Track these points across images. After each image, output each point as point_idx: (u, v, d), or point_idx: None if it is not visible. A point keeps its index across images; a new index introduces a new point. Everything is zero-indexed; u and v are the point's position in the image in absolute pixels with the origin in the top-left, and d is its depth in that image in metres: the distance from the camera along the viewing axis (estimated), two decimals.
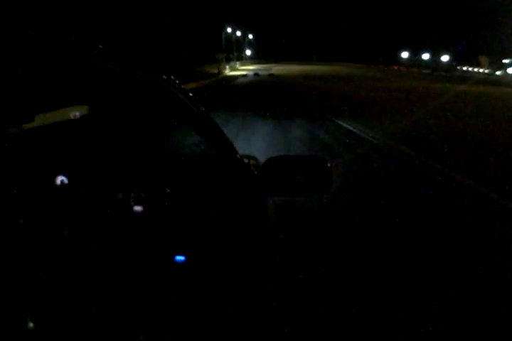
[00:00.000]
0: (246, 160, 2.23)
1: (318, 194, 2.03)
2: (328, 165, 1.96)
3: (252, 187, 1.93)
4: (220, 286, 1.53)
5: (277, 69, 77.37)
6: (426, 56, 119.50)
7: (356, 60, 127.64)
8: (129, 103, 2.03)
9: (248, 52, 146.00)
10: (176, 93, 1.36)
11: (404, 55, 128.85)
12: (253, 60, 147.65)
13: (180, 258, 1.62)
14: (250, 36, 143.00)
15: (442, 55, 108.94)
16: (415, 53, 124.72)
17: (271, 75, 56.86)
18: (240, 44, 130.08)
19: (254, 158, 2.73)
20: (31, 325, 0.97)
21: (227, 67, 77.59)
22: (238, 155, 1.93)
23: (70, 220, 1.52)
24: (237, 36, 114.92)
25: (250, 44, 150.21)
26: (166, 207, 1.68)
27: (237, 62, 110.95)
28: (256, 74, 59.14)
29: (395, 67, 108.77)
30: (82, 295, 1.24)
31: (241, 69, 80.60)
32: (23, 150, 1.68)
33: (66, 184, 1.69)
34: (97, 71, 0.96)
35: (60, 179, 1.72)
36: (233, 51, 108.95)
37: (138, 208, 1.69)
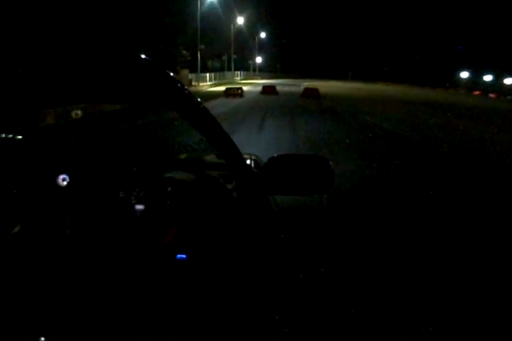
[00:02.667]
0: (248, 159, 2.56)
1: (319, 193, 2.04)
2: (330, 164, 1.99)
3: (254, 186, 1.95)
4: (220, 285, 1.51)
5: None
6: (488, 78, 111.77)
7: (403, 79, 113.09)
8: (131, 102, 2.23)
9: (258, 60, 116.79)
10: (177, 92, 1.31)
11: (464, 75, 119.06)
12: (265, 73, 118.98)
13: (181, 256, 1.67)
14: (263, 34, 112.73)
15: (506, 77, 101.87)
16: (476, 74, 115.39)
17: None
18: (246, 44, 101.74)
19: (256, 157, 2.92)
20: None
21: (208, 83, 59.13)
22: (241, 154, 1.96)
23: (71, 218, 1.63)
24: (241, 28, 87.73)
25: (262, 47, 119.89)
26: (167, 205, 1.77)
27: (238, 74, 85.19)
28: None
29: (477, 93, 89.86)
30: (84, 294, 1.28)
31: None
32: (24, 151, 2.00)
33: (68, 183, 1.84)
34: (98, 70, 0.94)
35: (61, 178, 1.87)
36: (226, 54, 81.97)
37: (139, 207, 1.77)
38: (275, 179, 1.92)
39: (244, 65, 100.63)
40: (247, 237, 1.75)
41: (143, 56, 1.06)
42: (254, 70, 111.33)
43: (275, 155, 1.94)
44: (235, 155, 1.85)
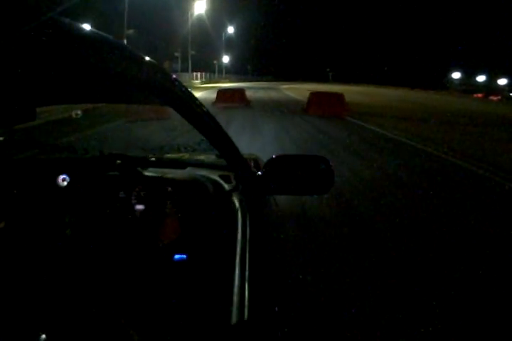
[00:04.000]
0: (249, 159, 2.56)
1: (319, 193, 2.07)
2: (330, 164, 2.02)
3: (254, 186, 2.00)
4: (219, 285, 1.51)
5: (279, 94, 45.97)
6: (481, 78, 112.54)
7: (389, 80, 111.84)
8: (131, 102, 2.10)
9: (226, 60, 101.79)
10: (177, 92, 1.31)
11: (456, 75, 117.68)
12: (234, 75, 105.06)
13: (180, 257, 1.69)
14: (231, 30, 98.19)
15: (500, 77, 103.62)
16: (468, 75, 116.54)
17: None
18: (210, 41, 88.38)
19: (257, 157, 3.05)
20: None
21: None
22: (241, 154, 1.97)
23: (71, 219, 1.67)
24: (203, 20, 73.73)
25: (231, 45, 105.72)
26: (166, 205, 1.80)
27: (198, 76, 71.88)
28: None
29: (479, 96, 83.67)
30: (84, 293, 1.32)
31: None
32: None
33: (68, 183, 1.82)
34: (97, 70, 0.91)
35: (61, 178, 1.83)
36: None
37: (139, 207, 1.79)
38: (275, 179, 1.97)
39: (210, 66, 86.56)
40: (246, 237, 1.72)
41: (143, 55, 1.05)
42: (220, 72, 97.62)
43: (275, 155, 2.00)
44: (236, 155, 1.88)
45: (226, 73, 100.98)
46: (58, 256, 1.51)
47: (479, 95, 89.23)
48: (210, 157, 2.53)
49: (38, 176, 1.88)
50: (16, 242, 1.49)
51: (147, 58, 1.05)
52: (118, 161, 1.98)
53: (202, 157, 2.62)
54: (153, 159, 2.26)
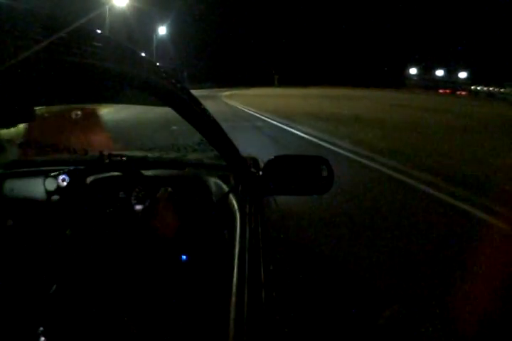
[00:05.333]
0: (248, 160, 2.46)
1: (319, 193, 2.07)
2: (330, 164, 2.06)
3: (254, 186, 2.03)
4: (217, 285, 1.53)
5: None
6: (440, 73, 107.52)
7: (340, 80, 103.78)
8: (131, 102, 2.11)
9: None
10: (177, 92, 1.34)
11: (413, 71, 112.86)
12: None
13: (180, 257, 1.75)
14: (162, 30, 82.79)
15: (459, 71, 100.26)
16: (426, 70, 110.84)
17: None
18: (136, 42, 72.04)
19: (256, 158, 2.91)
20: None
21: None
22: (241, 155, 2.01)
23: (71, 219, 1.68)
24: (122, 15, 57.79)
25: (163, 47, 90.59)
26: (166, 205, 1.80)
27: None
28: None
29: (447, 92, 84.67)
30: (84, 293, 1.32)
31: None
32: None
33: (67, 183, 1.91)
34: (97, 70, 0.90)
35: (61, 178, 1.93)
36: None
37: (139, 207, 1.86)
38: (275, 179, 2.00)
39: None
40: (245, 238, 1.72)
41: (143, 55, 1.07)
42: None
43: (274, 155, 2.02)
44: (235, 156, 1.90)
45: None
46: (58, 256, 1.50)
47: (447, 91, 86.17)
48: (210, 157, 2.54)
49: (39, 176, 2.00)
50: (17, 242, 1.47)
51: (147, 58, 1.05)
52: (117, 161, 2.01)
53: (201, 157, 2.63)
54: (153, 159, 2.36)
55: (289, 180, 2.02)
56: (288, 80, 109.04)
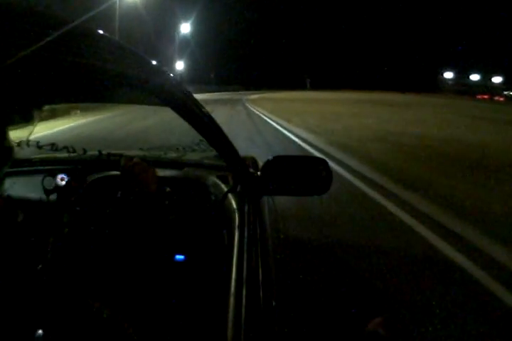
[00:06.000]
0: (247, 160, 2.48)
1: (317, 194, 2.02)
2: (328, 165, 2.03)
3: (253, 187, 1.99)
4: (216, 286, 1.51)
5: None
6: (475, 77, 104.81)
7: (371, 84, 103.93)
8: (131, 102, 2.01)
9: (180, 66, 78.90)
10: (177, 92, 1.31)
11: (448, 75, 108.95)
12: (192, 85, 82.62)
13: (179, 257, 1.76)
14: (185, 28, 75.18)
15: (494, 76, 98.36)
16: (461, 74, 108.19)
17: None
18: (157, 41, 68.23)
19: (254, 159, 2.89)
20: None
21: None
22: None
23: (69, 218, 1.70)
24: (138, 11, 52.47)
25: (186, 47, 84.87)
26: (166, 205, 1.78)
27: None
28: None
29: (485, 97, 78.61)
30: (82, 291, 1.30)
31: None
32: None
33: (66, 182, 1.93)
34: (97, 70, 0.88)
35: (60, 177, 1.96)
36: None
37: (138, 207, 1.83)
38: (273, 179, 1.96)
39: None
40: (244, 238, 1.68)
41: (143, 55, 1.06)
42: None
43: (273, 156, 1.98)
44: (234, 156, 1.86)
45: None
46: (56, 255, 1.49)
47: (484, 96, 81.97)
48: (209, 157, 2.51)
49: (38, 175, 2.01)
50: (15, 241, 1.39)
51: (147, 58, 1.06)
52: (116, 161, 1.91)
53: (200, 157, 2.58)
54: (152, 159, 2.29)
55: (287, 180, 1.96)
56: (320, 83, 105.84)
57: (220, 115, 20.75)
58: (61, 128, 15.59)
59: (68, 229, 1.62)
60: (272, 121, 18.76)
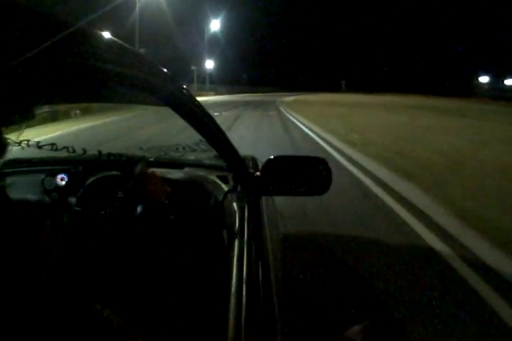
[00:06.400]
0: (247, 160, 2.51)
1: (317, 194, 2.01)
2: (328, 165, 2.00)
3: (252, 187, 1.97)
4: (216, 286, 1.49)
5: None
6: (510, 82, 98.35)
7: (408, 88, 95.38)
8: (131, 102, 1.96)
9: (209, 65, 74.02)
10: (176, 92, 1.32)
11: (484, 79, 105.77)
12: (223, 85, 78.35)
13: (179, 257, 1.76)
14: (215, 25, 70.15)
15: None
16: (497, 78, 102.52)
17: None
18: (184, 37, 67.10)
19: (254, 159, 2.86)
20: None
21: None
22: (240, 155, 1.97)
23: (69, 218, 1.60)
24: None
25: (217, 46, 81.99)
26: (165, 205, 1.75)
27: None
28: None
29: None
30: (80, 292, 1.27)
31: None
32: None
33: (66, 182, 1.91)
34: (97, 70, 0.88)
35: (59, 177, 1.94)
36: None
37: (138, 208, 1.77)
38: (273, 179, 1.94)
39: (189, 73, 63.67)
40: (244, 238, 1.69)
41: (143, 55, 1.05)
42: (203, 82, 69.81)
43: (273, 156, 1.95)
44: (234, 156, 1.84)
45: (212, 83, 75.41)
46: (56, 254, 1.43)
47: None
48: (209, 157, 2.48)
49: (38, 175, 2.01)
50: (14, 240, 1.38)
51: (148, 59, 1.05)
52: (116, 161, 1.98)
53: (200, 157, 2.57)
54: (152, 159, 2.30)
55: (287, 180, 1.96)
56: (355, 85, 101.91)
57: (245, 124, 16.73)
58: (45, 137, 11.39)
59: (68, 229, 1.56)
60: (321, 141, 12.18)
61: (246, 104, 31.93)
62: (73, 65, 0.74)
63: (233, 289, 1.34)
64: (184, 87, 1.33)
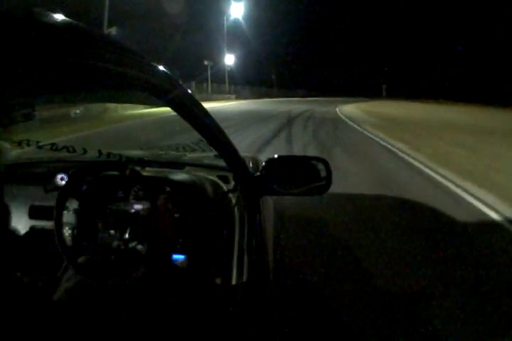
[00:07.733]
0: (247, 160, 2.52)
1: (317, 193, 1.99)
2: (329, 165, 1.98)
3: (253, 187, 1.95)
4: (217, 285, 1.52)
5: None
6: None
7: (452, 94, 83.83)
8: (131, 102, 2.06)
9: (230, 61, 60.13)
10: (176, 92, 1.29)
11: None
12: (247, 87, 68.34)
13: (178, 257, 1.74)
14: (237, 10, 56.95)
15: None
16: None
17: None
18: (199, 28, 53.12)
19: (254, 158, 2.94)
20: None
21: None
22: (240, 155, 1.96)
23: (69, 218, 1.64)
24: None
25: (238, 39, 69.21)
26: (165, 205, 1.76)
27: None
28: None
29: None
30: (84, 295, 1.32)
31: None
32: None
33: (66, 182, 1.83)
34: (97, 70, 0.89)
35: (59, 177, 1.95)
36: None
37: (138, 206, 1.72)
38: (274, 179, 1.92)
39: (202, 70, 51.60)
40: (244, 237, 1.68)
41: (143, 55, 1.06)
42: (219, 81, 56.27)
43: (273, 156, 1.94)
44: (234, 156, 1.83)
45: (234, 85, 61.17)
46: (56, 254, 1.49)
47: None
48: (209, 157, 2.47)
49: (38, 175, 2.00)
50: (14, 240, 1.42)
51: (148, 59, 1.05)
52: (116, 161, 1.95)
53: (200, 157, 2.57)
54: (152, 159, 2.30)
55: (287, 180, 1.94)
56: (395, 90, 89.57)
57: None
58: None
59: (68, 228, 1.59)
60: None
61: (289, 122, 20.76)
62: (73, 65, 0.74)
63: (233, 288, 1.34)
64: (184, 87, 1.29)
